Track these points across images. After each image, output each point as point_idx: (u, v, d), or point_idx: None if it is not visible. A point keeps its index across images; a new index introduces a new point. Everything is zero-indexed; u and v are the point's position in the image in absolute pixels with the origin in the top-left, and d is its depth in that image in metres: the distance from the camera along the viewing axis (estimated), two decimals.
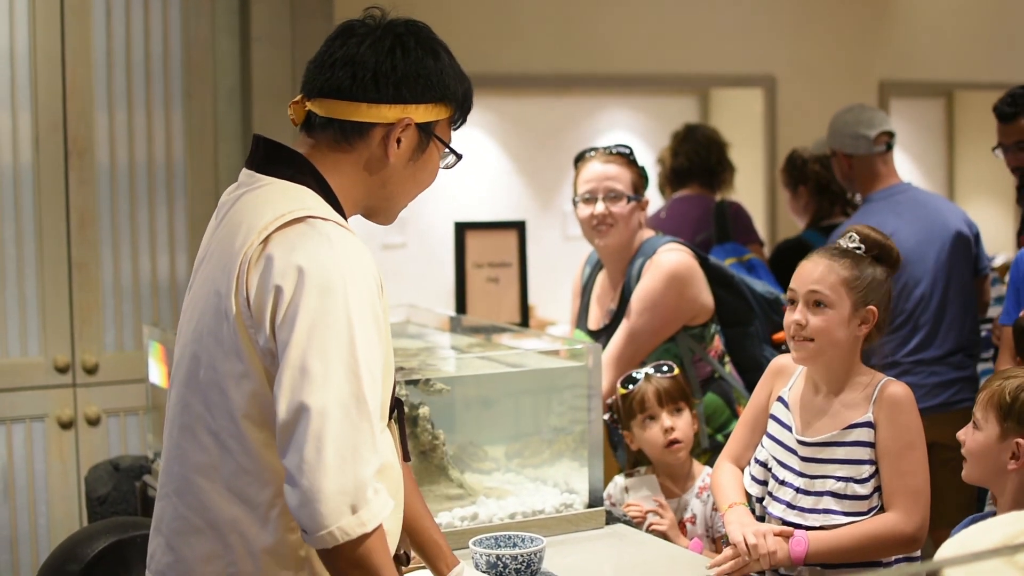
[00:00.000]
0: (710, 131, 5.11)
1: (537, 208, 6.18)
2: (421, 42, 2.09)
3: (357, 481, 1.84)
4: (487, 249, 4.71)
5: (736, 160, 5.20)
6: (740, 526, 2.59)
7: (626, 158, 3.53)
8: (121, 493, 3.59)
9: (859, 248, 2.62)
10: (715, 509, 2.99)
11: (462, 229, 4.71)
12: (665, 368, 3.15)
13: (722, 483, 2.77)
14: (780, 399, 2.73)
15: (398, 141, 2.07)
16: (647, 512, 3.01)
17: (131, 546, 2.93)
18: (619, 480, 3.20)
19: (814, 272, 2.60)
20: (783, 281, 4.20)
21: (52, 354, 4.35)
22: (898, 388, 2.60)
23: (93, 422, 4.41)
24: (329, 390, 1.85)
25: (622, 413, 3.16)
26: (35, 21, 4.25)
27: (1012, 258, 4.10)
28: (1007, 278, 3.58)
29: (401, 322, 3.97)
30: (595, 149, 3.58)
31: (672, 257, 3.45)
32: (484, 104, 6.00)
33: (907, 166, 7.39)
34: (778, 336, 3.59)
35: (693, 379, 3.42)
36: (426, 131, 2.10)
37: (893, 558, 2.59)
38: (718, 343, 3.53)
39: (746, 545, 2.53)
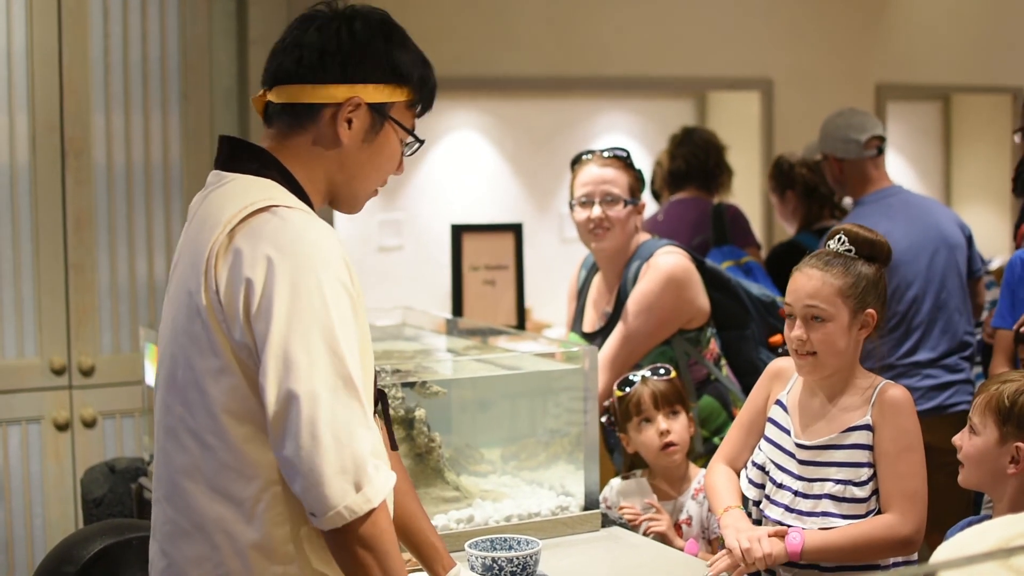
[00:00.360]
0: (708, 134, 5.12)
1: (534, 211, 6.18)
2: (371, 24, 2.08)
3: (356, 459, 1.86)
4: (483, 252, 4.72)
5: (732, 163, 5.21)
6: (735, 531, 2.59)
7: (623, 161, 3.52)
8: (117, 495, 3.58)
9: (849, 250, 2.60)
10: (711, 511, 2.99)
11: (458, 231, 4.71)
12: (662, 371, 3.15)
13: (717, 486, 2.76)
14: (778, 402, 2.73)
15: (349, 122, 2.06)
16: (644, 517, 3.01)
17: (127, 548, 2.92)
18: (615, 483, 3.20)
19: (807, 286, 2.57)
20: (780, 284, 4.21)
21: (48, 356, 4.35)
22: (897, 391, 2.59)
23: (89, 424, 4.40)
24: (315, 375, 1.86)
25: (618, 415, 3.16)
26: (32, 22, 4.25)
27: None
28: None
29: (397, 324, 3.97)
30: (592, 152, 3.56)
31: (669, 260, 3.45)
32: (481, 107, 6.02)
33: (904, 169, 7.39)
34: (774, 339, 3.59)
35: (689, 382, 3.42)
36: (380, 112, 2.08)
37: (891, 561, 2.59)
38: (714, 346, 3.53)
39: (741, 551, 2.53)
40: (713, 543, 3.00)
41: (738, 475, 2.77)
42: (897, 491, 2.53)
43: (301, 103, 2.06)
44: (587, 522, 2.98)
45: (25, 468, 4.34)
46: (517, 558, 2.52)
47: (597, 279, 3.67)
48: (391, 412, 2.88)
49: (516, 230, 4.81)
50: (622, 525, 3.02)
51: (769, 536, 2.54)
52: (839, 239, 2.62)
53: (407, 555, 2.52)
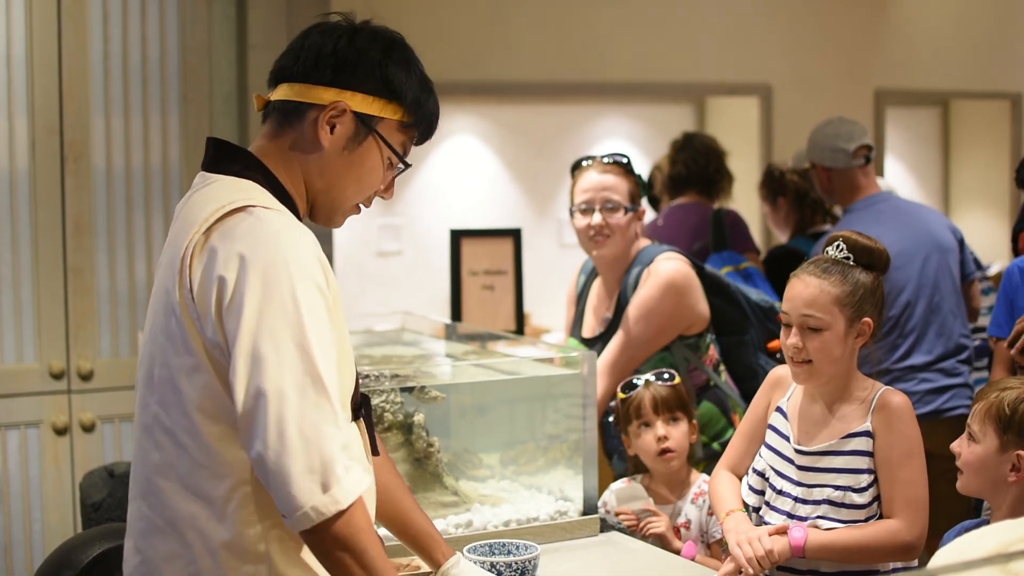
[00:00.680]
0: (708, 139, 5.12)
1: (533, 216, 6.19)
2: (375, 37, 2.09)
3: (324, 459, 1.84)
4: (483, 257, 4.72)
5: (731, 168, 5.21)
6: (736, 534, 2.59)
7: (623, 167, 3.50)
8: (116, 500, 3.58)
9: (848, 258, 2.59)
10: (711, 514, 2.99)
11: (458, 237, 4.71)
12: (666, 375, 3.14)
13: (720, 491, 2.76)
14: (779, 409, 2.72)
15: (333, 127, 2.06)
16: (644, 521, 3.00)
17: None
18: (614, 488, 3.21)
19: (804, 293, 2.56)
20: (779, 289, 4.21)
21: (47, 360, 4.34)
22: (896, 397, 2.59)
23: (88, 428, 4.40)
24: (284, 372, 1.85)
25: (621, 417, 3.17)
26: (32, 25, 4.25)
27: (1007, 267, 4.09)
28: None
29: (396, 329, 3.97)
30: (592, 158, 3.55)
31: (670, 266, 3.45)
32: (480, 112, 6.02)
33: (902, 174, 7.40)
34: (773, 344, 3.59)
35: (688, 388, 3.42)
36: (365, 123, 2.08)
37: (890, 566, 2.59)
38: (713, 352, 3.53)
39: (743, 555, 2.53)
40: (712, 546, 3.00)
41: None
42: (899, 498, 2.53)
43: (290, 101, 2.07)
44: (586, 527, 2.98)
45: (24, 472, 4.34)
46: (516, 563, 2.52)
47: (597, 284, 3.66)
48: (390, 417, 2.90)
49: (515, 235, 4.82)
50: (621, 530, 3.02)
51: (770, 534, 2.54)
52: (838, 246, 2.61)
53: (405, 559, 2.52)
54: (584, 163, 3.55)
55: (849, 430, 2.59)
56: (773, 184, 5.07)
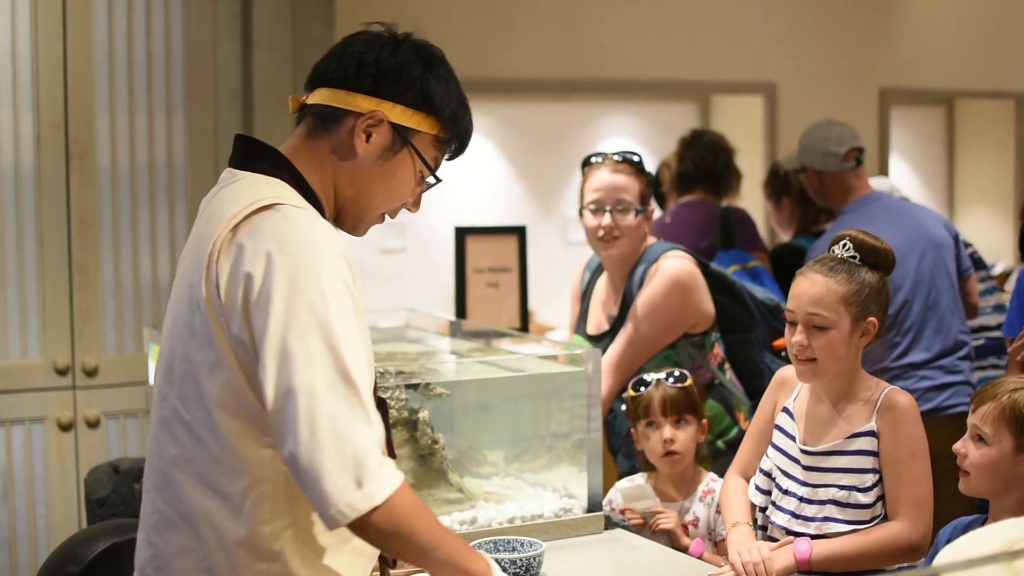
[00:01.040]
0: (717, 137, 5.10)
1: (537, 213, 6.19)
2: (417, 50, 2.11)
3: (357, 455, 1.83)
4: (487, 254, 4.72)
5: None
6: (736, 547, 2.60)
7: (635, 166, 3.47)
8: (120, 495, 3.59)
9: (854, 257, 2.59)
10: (719, 512, 2.99)
11: (462, 234, 4.71)
12: (677, 374, 3.13)
13: (729, 500, 2.76)
14: (785, 410, 2.72)
15: (369, 136, 2.07)
16: (656, 516, 3.00)
17: (130, 548, 2.90)
18: (620, 486, 3.21)
19: (811, 292, 2.56)
20: (782, 285, 4.20)
21: (52, 356, 4.35)
22: (902, 397, 2.59)
23: (93, 424, 4.41)
24: (314, 369, 1.84)
25: (630, 413, 3.16)
26: (37, 22, 4.26)
27: (1011, 266, 4.13)
28: (1007, 287, 3.56)
29: (401, 326, 3.98)
30: (603, 155, 3.51)
31: (675, 264, 3.44)
32: (485, 109, 6.02)
33: (907, 174, 7.40)
34: (778, 343, 3.58)
35: (699, 388, 3.41)
36: (401, 135, 2.09)
37: (895, 566, 2.58)
38: (718, 350, 3.53)
39: (740, 562, 2.54)
40: (720, 544, 3.00)
41: None
42: (904, 498, 2.53)
43: (328, 106, 2.07)
44: (590, 524, 2.98)
45: (29, 468, 4.35)
46: (520, 560, 2.52)
47: (602, 281, 3.66)
48: (395, 413, 2.90)
49: (520, 232, 4.81)
50: (626, 527, 3.02)
51: (773, 550, 2.54)
52: (844, 245, 2.60)
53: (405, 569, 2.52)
54: (595, 159, 3.51)
55: (853, 430, 2.59)
56: (777, 183, 5.06)
